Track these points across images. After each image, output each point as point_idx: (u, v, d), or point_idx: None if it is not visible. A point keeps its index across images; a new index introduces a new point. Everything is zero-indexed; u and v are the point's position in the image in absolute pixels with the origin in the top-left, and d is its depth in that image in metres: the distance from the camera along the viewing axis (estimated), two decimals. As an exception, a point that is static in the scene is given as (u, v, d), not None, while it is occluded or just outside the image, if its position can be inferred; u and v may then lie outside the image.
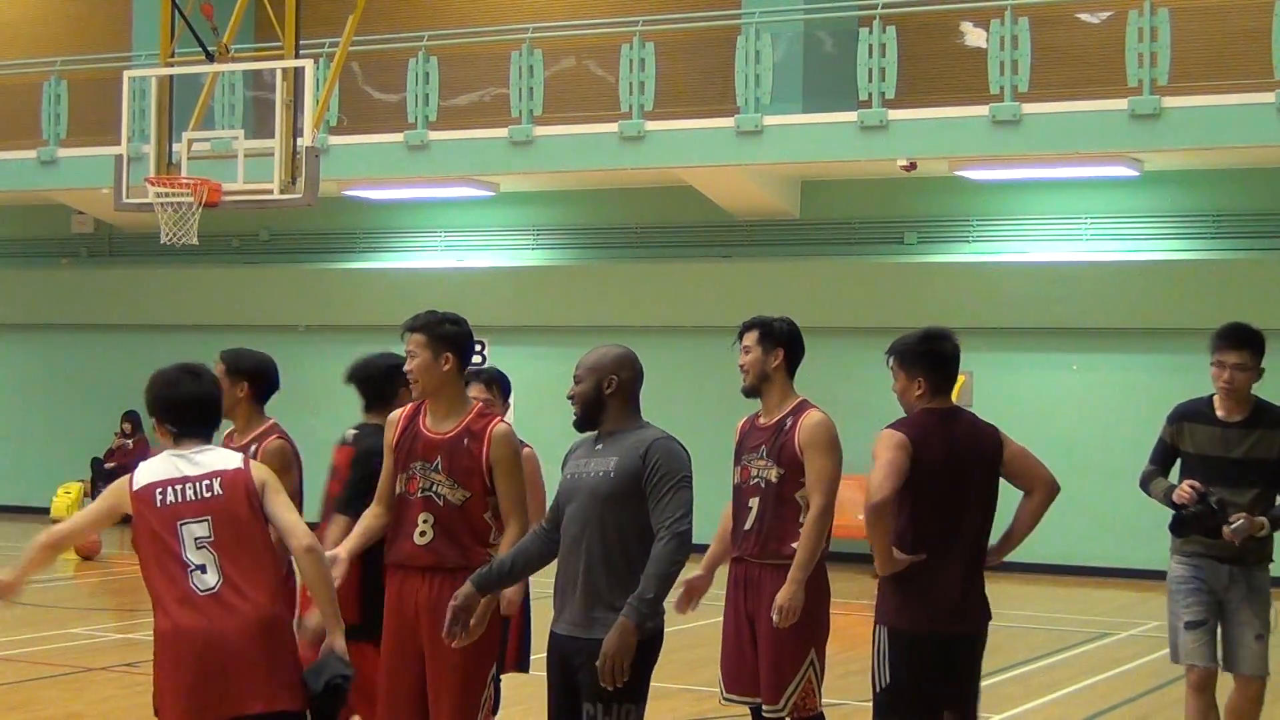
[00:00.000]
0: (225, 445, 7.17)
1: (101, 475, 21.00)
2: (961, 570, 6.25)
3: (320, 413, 18.99)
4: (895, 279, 18.86)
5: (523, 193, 20.58)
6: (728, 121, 17.87)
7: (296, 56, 12.84)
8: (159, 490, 5.37)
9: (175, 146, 13.26)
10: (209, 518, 5.33)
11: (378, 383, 7.12)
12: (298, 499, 7.08)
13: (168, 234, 13.27)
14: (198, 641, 5.23)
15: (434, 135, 19.19)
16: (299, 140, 12.69)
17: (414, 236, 21.45)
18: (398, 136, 19.29)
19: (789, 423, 6.78)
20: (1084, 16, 18.70)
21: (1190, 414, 7.48)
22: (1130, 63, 16.54)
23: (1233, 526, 7.18)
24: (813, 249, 19.47)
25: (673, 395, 17.40)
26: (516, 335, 19.84)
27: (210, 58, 13.14)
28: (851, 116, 17.38)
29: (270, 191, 12.77)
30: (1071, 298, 18.10)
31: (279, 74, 12.88)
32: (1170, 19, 16.59)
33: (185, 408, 5.51)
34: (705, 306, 19.40)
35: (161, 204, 13.14)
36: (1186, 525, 7.29)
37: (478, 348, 20.50)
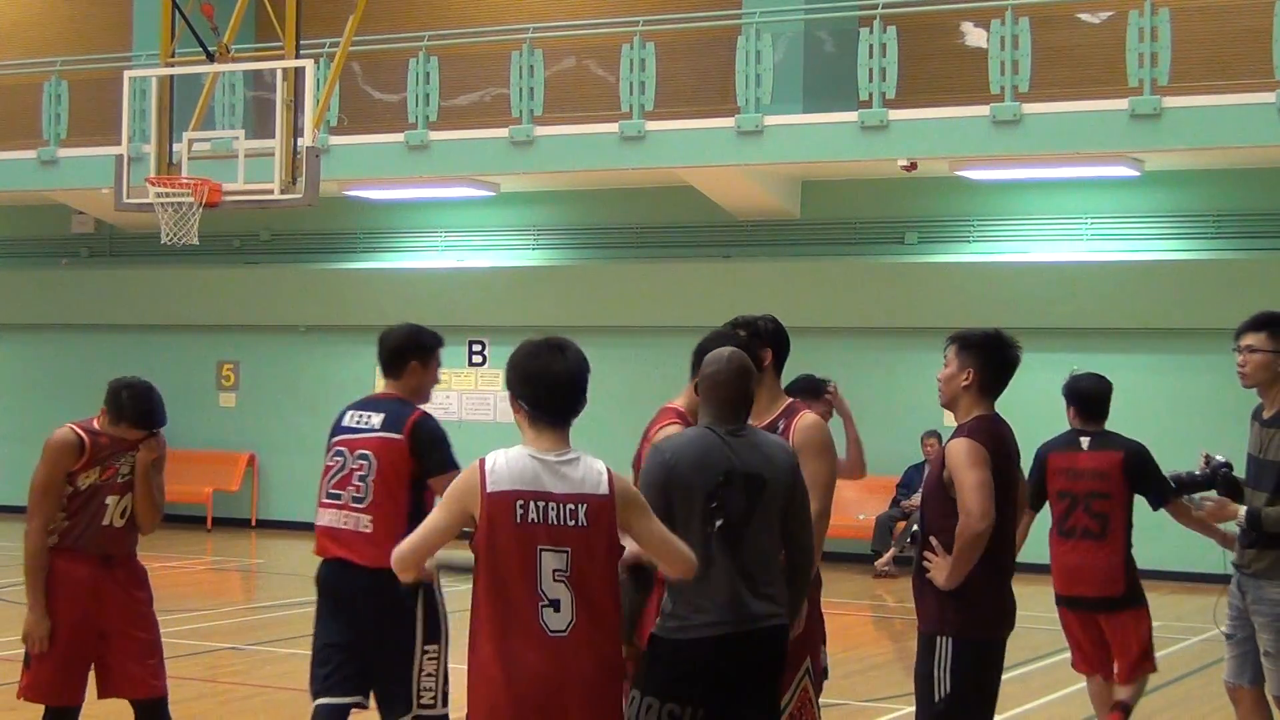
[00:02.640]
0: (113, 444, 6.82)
1: (101, 475, 20.96)
2: (1010, 574, 6.28)
3: (319, 412, 18.90)
4: (895, 279, 18.85)
5: (523, 193, 20.57)
6: (728, 121, 17.86)
7: (297, 56, 12.83)
8: (520, 503, 4.67)
9: (176, 146, 13.23)
10: (569, 550, 4.66)
11: None
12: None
13: (168, 234, 13.25)
14: (547, 685, 4.63)
15: (434, 135, 19.17)
16: (299, 140, 12.67)
17: (414, 236, 21.44)
18: (398, 136, 19.28)
19: (781, 425, 6.50)
20: (1084, 16, 18.69)
21: (1254, 411, 6.94)
22: (1130, 63, 16.53)
23: (1198, 500, 6.84)
24: (813, 249, 19.46)
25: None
26: (516, 335, 19.60)
27: (210, 58, 13.12)
28: (852, 116, 17.37)
29: (271, 191, 12.75)
30: (1071, 298, 18.08)
31: (279, 74, 12.87)
32: (1170, 19, 16.58)
33: (542, 385, 4.83)
34: (705, 306, 19.33)
35: (162, 204, 13.12)
36: (1181, 484, 6.94)
37: (478, 348, 20.84)
